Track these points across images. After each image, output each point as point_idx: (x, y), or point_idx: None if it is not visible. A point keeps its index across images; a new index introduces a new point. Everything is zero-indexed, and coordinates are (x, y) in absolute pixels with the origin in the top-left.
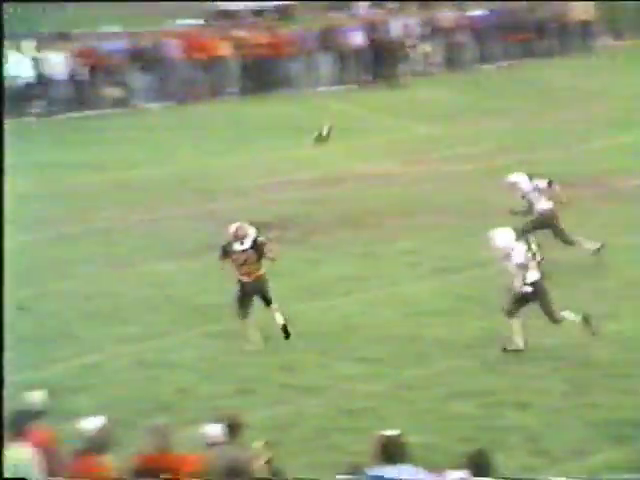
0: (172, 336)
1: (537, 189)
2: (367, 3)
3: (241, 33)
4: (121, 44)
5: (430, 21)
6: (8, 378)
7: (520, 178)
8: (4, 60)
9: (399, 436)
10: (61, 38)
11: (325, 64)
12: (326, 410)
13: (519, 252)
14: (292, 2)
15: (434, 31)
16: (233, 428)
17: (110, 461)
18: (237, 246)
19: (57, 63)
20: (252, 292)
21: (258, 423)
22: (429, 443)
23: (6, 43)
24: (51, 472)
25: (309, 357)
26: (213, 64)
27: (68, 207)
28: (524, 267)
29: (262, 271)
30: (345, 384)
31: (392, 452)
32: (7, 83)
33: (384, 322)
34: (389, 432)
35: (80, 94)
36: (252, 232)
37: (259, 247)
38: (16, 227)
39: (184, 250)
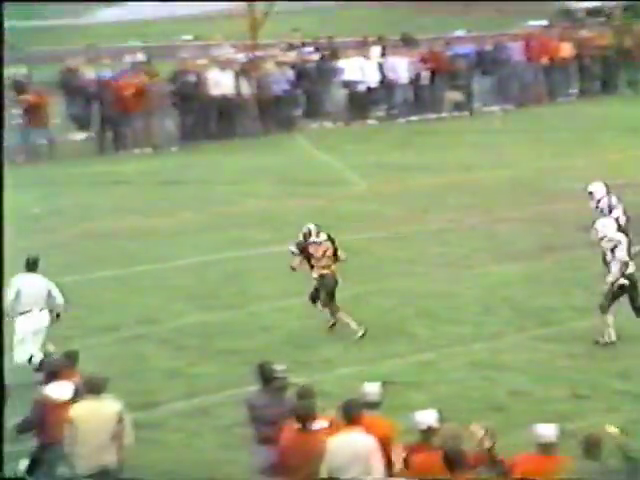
0: (506, 338)
1: (611, 202)
2: None
3: (584, 33)
4: (465, 48)
5: None
6: (341, 371)
7: (597, 188)
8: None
9: None
10: (407, 43)
11: None
12: None
13: (623, 244)
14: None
15: None
16: (591, 445)
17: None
18: (314, 238)
19: (400, 67)
20: (329, 286)
21: (592, 430)
22: None
23: (356, 50)
24: (387, 461)
25: None
26: (554, 66)
27: (405, 208)
28: (626, 259)
29: (334, 267)
30: None
31: None
32: (352, 88)
33: None
34: None
35: (421, 98)
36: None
37: (334, 240)
38: (348, 225)
39: (520, 252)
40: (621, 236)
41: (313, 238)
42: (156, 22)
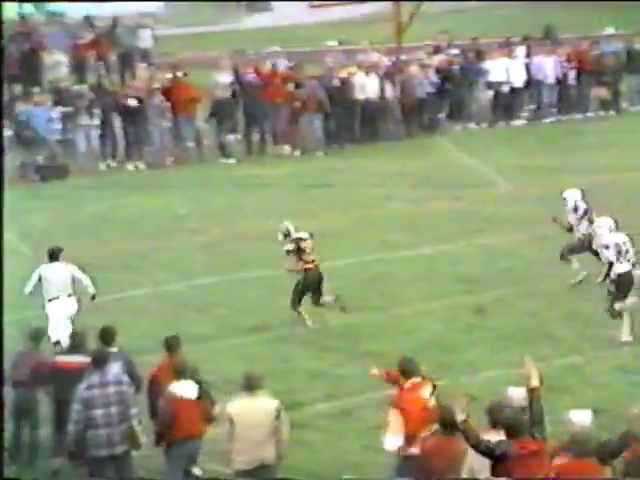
0: None
1: (582, 210)
2: None
3: None
4: (614, 46)
5: None
6: (485, 374)
7: (571, 195)
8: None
9: None
10: (551, 39)
11: None
12: None
13: (618, 243)
14: None
15: None
16: None
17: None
18: (304, 234)
19: (547, 67)
20: (315, 281)
21: None
22: None
23: (501, 51)
24: None
25: None
26: None
27: (551, 209)
28: (618, 258)
29: (318, 262)
30: None
31: None
32: (496, 89)
33: None
34: None
35: (567, 98)
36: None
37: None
38: (493, 227)
39: None
40: (613, 239)
41: (297, 235)
42: (301, 28)
